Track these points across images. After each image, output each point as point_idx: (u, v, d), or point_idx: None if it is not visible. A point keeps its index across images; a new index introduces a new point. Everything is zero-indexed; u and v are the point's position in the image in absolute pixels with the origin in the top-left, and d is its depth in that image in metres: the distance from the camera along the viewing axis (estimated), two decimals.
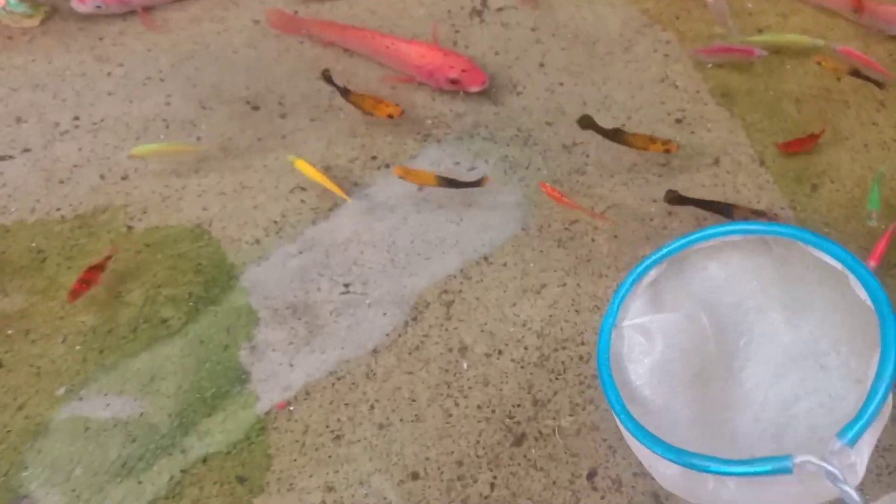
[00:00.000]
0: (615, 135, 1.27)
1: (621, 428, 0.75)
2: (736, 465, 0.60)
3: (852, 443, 0.57)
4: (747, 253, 0.80)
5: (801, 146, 1.29)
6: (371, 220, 1.25)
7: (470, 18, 1.53)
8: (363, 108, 1.33)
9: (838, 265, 0.66)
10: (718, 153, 1.30)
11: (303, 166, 1.26)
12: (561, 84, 1.42)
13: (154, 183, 1.30)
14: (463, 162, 1.32)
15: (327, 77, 1.36)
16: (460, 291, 1.18)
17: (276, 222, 1.25)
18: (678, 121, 1.36)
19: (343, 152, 1.33)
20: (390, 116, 1.29)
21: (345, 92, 1.34)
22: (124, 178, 1.31)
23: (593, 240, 1.22)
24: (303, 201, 1.27)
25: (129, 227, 1.25)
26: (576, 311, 1.15)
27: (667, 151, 1.26)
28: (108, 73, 1.45)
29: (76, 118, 1.39)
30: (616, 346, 0.77)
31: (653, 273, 0.80)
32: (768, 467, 0.58)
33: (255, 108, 1.40)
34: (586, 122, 1.28)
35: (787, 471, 0.57)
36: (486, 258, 1.21)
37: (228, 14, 1.55)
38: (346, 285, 1.19)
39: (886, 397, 0.59)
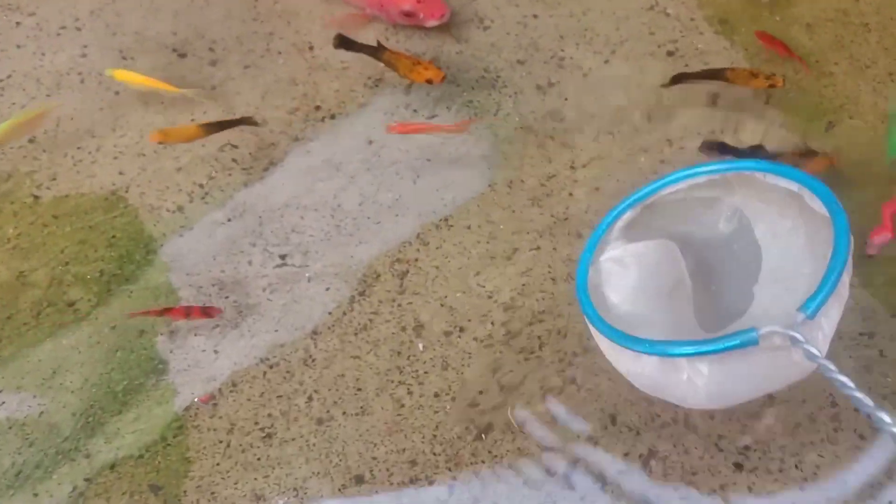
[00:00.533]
0: (379, 52, 1.12)
1: (601, 345, 0.78)
2: (706, 344, 0.64)
3: (812, 316, 0.62)
4: (715, 192, 0.85)
5: (773, 45, 1.12)
6: (312, 180, 1.08)
7: None
8: (398, 70, 1.12)
9: (793, 185, 0.74)
10: (716, 88, 1.11)
11: (124, 76, 1.11)
12: (535, 16, 1.23)
13: (66, 145, 1.12)
14: (421, 110, 1.14)
15: (345, 41, 1.14)
16: (416, 260, 1.00)
17: (201, 186, 1.08)
18: (670, 53, 1.17)
19: (282, 103, 1.15)
20: (429, 81, 1.09)
21: (377, 50, 1.13)
22: (31, 140, 1.13)
23: (571, 194, 1.04)
24: (234, 161, 1.10)
25: (36, 197, 1.08)
26: (552, 278, 0.98)
27: (771, 87, 1.06)
28: (17, 23, 1.26)
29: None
30: (593, 279, 0.80)
31: (627, 216, 0.83)
32: (737, 340, 0.62)
33: (182, 56, 1.21)
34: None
35: (754, 342, 0.62)
36: (446, 220, 1.04)
37: None
38: (283, 257, 1.02)
39: (841, 275, 0.64)
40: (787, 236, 0.80)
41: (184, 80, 1.18)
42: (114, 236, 1.04)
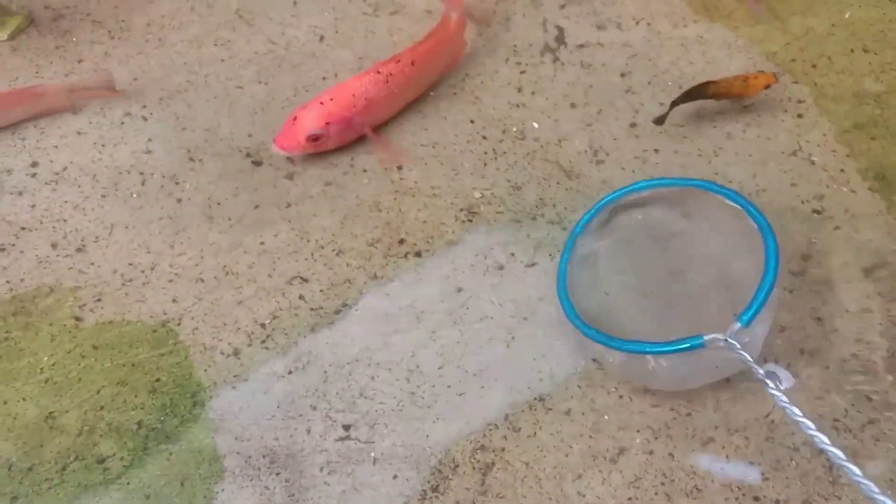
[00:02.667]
0: (705, 88, 1.05)
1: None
2: (663, 346, 0.77)
3: (747, 324, 0.75)
4: (674, 198, 0.96)
5: None
6: (389, 330, 0.93)
7: (541, 56, 1.19)
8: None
9: (734, 204, 0.87)
10: (872, 259, 0.93)
11: None
12: (656, 150, 1.07)
13: (116, 259, 1.00)
14: (519, 254, 0.98)
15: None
16: (504, 450, 0.84)
17: (263, 326, 0.94)
18: (816, 212, 1.00)
19: (362, 231, 1.01)
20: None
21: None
22: (80, 248, 1.01)
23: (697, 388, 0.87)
24: (302, 298, 0.96)
25: (77, 320, 0.95)
26: (666, 495, 0.81)
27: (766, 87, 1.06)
28: (80, 107, 1.15)
29: (34, 164, 1.10)
30: (571, 278, 0.91)
31: (597, 219, 0.96)
32: (687, 344, 0.76)
33: (257, 164, 1.08)
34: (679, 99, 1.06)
35: (701, 346, 0.76)
36: (542, 401, 0.88)
37: (236, 37, 1.24)
38: (347, 427, 0.87)
39: (772, 291, 0.77)
40: (735, 247, 0.90)
41: (256, 193, 1.04)
42: (158, 379, 0.90)
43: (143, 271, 0.99)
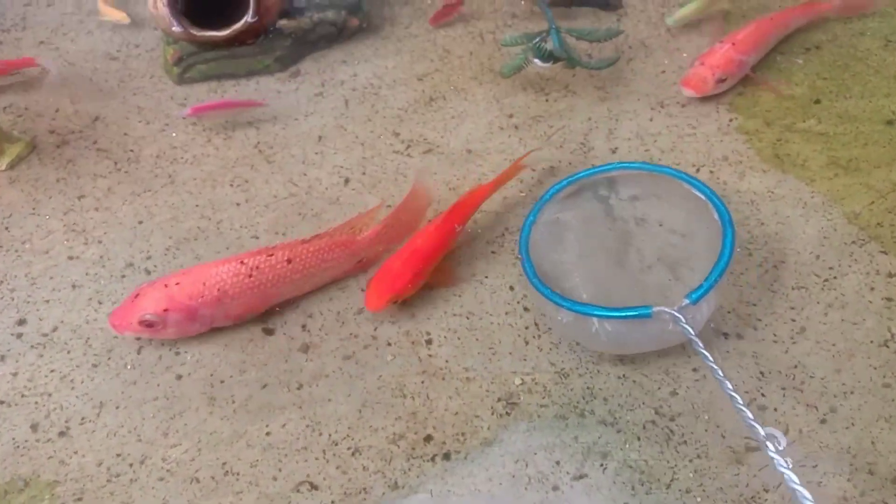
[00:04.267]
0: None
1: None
2: (614, 311, 0.83)
3: (694, 302, 0.82)
4: (639, 179, 1.02)
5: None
6: None
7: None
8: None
9: (697, 192, 0.94)
10: None
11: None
12: (725, 336, 0.93)
13: (103, 447, 0.87)
14: (565, 461, 0.84)
15: None
16: None
17: None
18: None
19: (383, 423, 0.88)
20: None
21: None
22: (63, 432, 0.89)
23: None
24: None
25: None
26: None
27: None
28: (78, 255, 1.04)
29: (21, 322, 0.98)
30: (533, 239, 0.95)
31: (566, 190, 1.00)
32: (635, 312, 0.83)
33: (269, 332, 0.96)
34: None
35: (648, 316, 0.82)
36: None
37: (255, 176, 1.13)
38: None
39: (722, 276, 0.84)
40: (693, 230, 0.96)
41: (265, 370, 0.92)
42: None
43: (131, 465, 0.86)
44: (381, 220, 1.00)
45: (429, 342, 0.94)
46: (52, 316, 0.99)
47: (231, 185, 1.12)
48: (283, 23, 1.28)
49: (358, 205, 1.09)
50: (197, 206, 1.09)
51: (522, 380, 0.91)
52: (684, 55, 1.29)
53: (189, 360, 0.94)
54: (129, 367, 0.94)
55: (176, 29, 1.21)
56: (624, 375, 0.90)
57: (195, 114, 1.15)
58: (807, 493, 0.68)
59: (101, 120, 1.24)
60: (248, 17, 1.21)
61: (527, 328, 0.95)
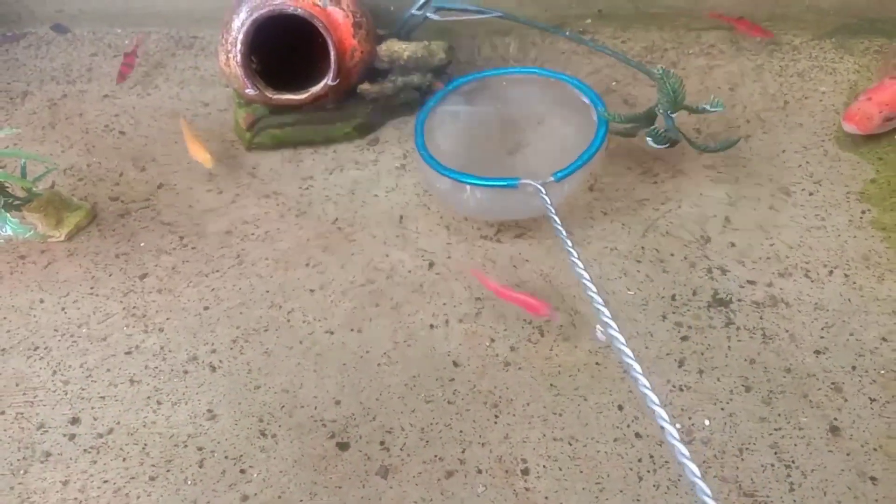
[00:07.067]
0: None
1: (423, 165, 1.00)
2: (484, 180, 0.94)
3: (558, 181, 0.94)
4: (534, 85, 1.13)
5: None
6: None
7: (708, 315, 0.94)
8: None
9: (585, 98, 1.05)
10: None
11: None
12: (873, 479, 0.79)
13: None
14: None
15: None
16: None
17: None
18: None
19: None
20: None
21: None
22: None
23: None
24: None
25: None
26: None
27: None
28: (137, 345, 0.96)
29: (74, 421, 0.90)
30: (429, 123, 1.08)
31: (465, 87, 1.14)
32: (504, 182, 0.93)
33: (343, 447, 0.86)
34: None
35: (514, 186, 0.93)
36: None
37: (331, 259, 1.03)
38: None
39: (585, 164, 0.96)
40: (573, 127, 1.06)
41: (338, 496, 0.81)
42: None
43: None
44: None
45: (525, 472, 0.83)
46: (107, 415, 0.90)
47: (305, 266, 1.02)
48: (364, 87, 1.19)
49: (444, 294, 0.98)
50: (267, 291, 1.00)
51: None
52: (807, 131, 1.16)
53: (255, 477, 0.84)
54: (189, 482, 0.84)
55: (250, 91, 1.12)
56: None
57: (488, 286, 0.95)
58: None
59: (165, 187, 1.16)
60: (329, 80, 1.12)
61: (639, 460, 0.83)
